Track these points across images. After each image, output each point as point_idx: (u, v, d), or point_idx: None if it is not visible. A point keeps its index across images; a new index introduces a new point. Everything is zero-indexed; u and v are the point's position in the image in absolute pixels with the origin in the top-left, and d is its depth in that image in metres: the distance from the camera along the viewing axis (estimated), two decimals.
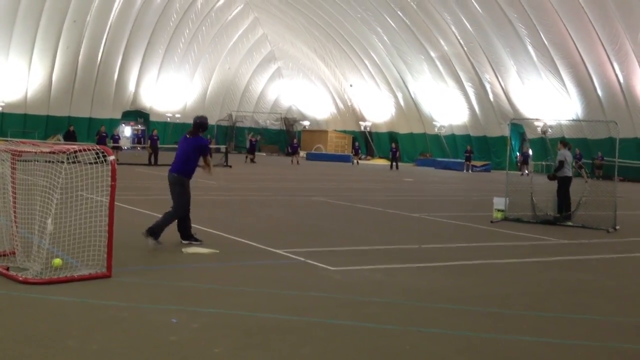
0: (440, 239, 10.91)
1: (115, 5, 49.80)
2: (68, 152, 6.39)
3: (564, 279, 7.91)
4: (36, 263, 6.34)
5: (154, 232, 8.35)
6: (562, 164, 13.95)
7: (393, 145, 45.44)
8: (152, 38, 53.25)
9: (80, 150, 6.47)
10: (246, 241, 9.43)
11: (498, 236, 11.44)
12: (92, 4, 48.89)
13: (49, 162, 6.62)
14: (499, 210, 13.81)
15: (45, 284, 6.05)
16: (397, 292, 6.79)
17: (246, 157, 40.34)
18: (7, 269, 6.40)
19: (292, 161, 41.05)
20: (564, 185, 13.92)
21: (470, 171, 40.73)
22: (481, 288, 7.19)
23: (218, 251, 8.46)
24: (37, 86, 50.31)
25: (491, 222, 13.28)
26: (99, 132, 31.45)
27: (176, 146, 9.99)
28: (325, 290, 6.64)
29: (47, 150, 6.49)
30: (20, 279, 6.03)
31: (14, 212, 6.86)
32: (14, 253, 6.83)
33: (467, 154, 41.88)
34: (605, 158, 36.15)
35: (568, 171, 14.01)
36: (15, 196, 6.89)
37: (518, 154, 44.03)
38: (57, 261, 6.60)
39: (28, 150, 6.61)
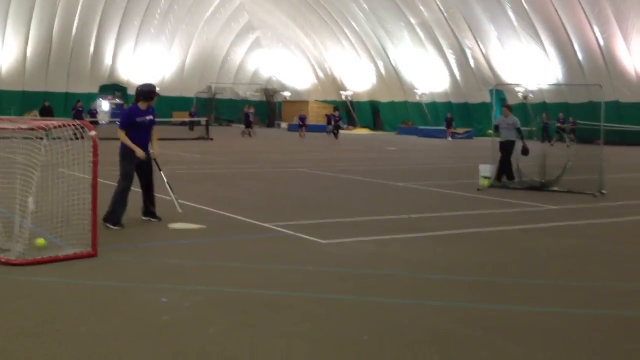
0: (428, 208, 10.82)
1: None
2: (47, 128, 6.13)
3: (555, 246, 7.86)
4: (18, 244, 6.11)
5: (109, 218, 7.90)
6: (519, 130, 14.04)
7: (334, 113, 41.18)
8: (127, 9, 52.07)
9: (60, 126, 6.21)
10: (233, 215, 9.25)
11: (486, 204, 11.39)
12: None
13: (27, 138, 6.35)
14: (485, 177, 13.75)
15: (28, 264, 5.84)
16: (391, 263, 6.70)
17: (243, 131, 37.44)
18: None
19: (300, 134, 38.10)
20: (505, 150, 13.95)
21: (451, 138, 40.62)
22: (474, 257, 7.11)
23: (205, 226, 8.28)
24: (11, 61, 49.12)
25: (477, 189, 13.22)
26: (75, 107, 30.76)
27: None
28: (319, 264, 6.52)
29: (26, 126, 6.22)
30: (2, 260, 5.81)
31: None
32: None
33: (448, 121, 41.60)
34: (586, 122, 36.32)
35: (511, 135, 14.02)
36: None
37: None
38: (41, 241, 6.39)
39: (5, 127, 6.33)
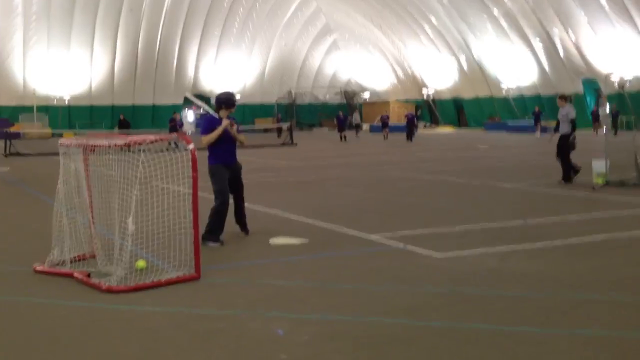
0: (542, 211, 9.87)
1: None
2: (144, 143, 5.76)
3: None
4: (119, 267, 5.77)
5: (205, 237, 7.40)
6: (573, 122, 12.95)
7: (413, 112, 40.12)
8: (208, 20, 53.09)
9: (156, 141, 5.83)
10: (334, 226, 8.69)
11: (607, 204, 10.30)
12: None
13: (127, 151, 5.98)
14: (599, 175, 12.57)
15: (130, 291, 5.47)
16: (518, 281, 5.89)
17: (341, 136, 36.30)
18: (89, 275, 5.86)
19: (384, 137, 36.96)
20: (560, 145, 12.99)
21: (540, 133, 38.10)
22: (613, 270, 6.20)
23: (307, 240, 7.75)
24: (101, 77, 51.08)
25: (593, 188, 12.09)
26: (174, 119, 30.28)
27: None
28: (437, 283, 5.82)
29: (122, 142, 5.88)
30: (104, 287, 5.48)
31: (91, 210, 6.32)
32: (94, 256, 6.30)
33: (536, 115, 38.96)
34: None
35: (565, 129, 13.01)
36: (91, 193, 6.35)
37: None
38: (141, 263, 6.04)
39: (101, 143, 6.02)
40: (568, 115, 13.09)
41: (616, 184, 12.33)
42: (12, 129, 37.94)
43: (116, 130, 41.79)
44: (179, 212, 6.41)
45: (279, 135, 35.68)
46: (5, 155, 25.22)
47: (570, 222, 8.83)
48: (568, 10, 39.76)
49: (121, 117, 35.77)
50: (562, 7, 39.71)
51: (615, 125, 34.26)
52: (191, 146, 5.88)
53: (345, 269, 6.42)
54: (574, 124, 13.09)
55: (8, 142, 26.01)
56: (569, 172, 13.00)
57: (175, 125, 29.35)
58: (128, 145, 5.86)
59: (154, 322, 4.86)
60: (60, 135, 29.14)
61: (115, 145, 5.90)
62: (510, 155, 22.56)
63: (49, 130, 42.41)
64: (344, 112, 41.07)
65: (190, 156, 5.88)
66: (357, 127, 41.04)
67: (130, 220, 5.62)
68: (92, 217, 6.36)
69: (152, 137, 5.85)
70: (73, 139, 6.49)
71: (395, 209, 10.48)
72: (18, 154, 25.07)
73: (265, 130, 45.41)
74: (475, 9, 44.53)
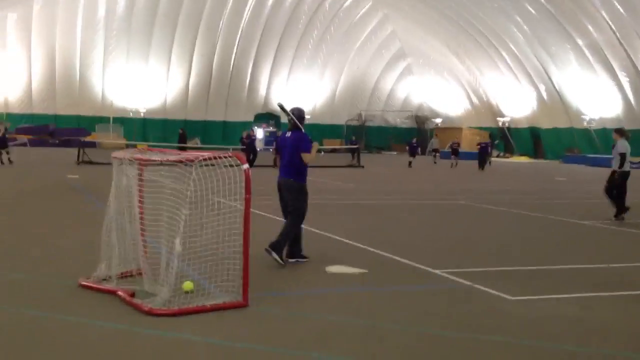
0: (630, 255, 8.98)
1: (246, 11, 50.65)
2: (197, 161, 5.44)
3: None
4: (164, 288, 5.43)
5: (275, 247, 7.27)
6: (623, 156, 12.35)
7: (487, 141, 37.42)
8: (282, 41, 53.70)
9: (209, 158, 5.49)
10: (396, 257, 8.12)
11: None
12: (224, 11, 50.06)
13: (182, 164, 5.64)
14: None
15: (173, 315, 5.11)
16: (606, 336, 5.17)
17: (410, 162, 35.24)
18: (133, 294, 5.55)
19: (452, 164, 35.25)
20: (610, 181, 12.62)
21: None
22: None
23: (366, 271, 7.23)
24: (175, 93, 52.41)
25: None
26: (249, 136, 29.51)
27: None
28: (510, 332, 5.17)
29: (174, 158, 5.58)
30: (146, 309, 5.14)
31: (142, 227, 6.03)
32: (141, 274, 6.00)
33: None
34: None
35: (627, 165, 12.48)
36: (142, 210, 6.07)
37: None
38: (188, 285, 5.69)
39: (153, 158, 5.74)
40: (617, 150, 12.59)
41: None
42: (88, 139, 39.24)
43: (197, 143, 42.22)
44: (231, 231, 6.02)
45: (353, 158, 34.68)
46: (78, 163, 25.93)
47: None
48: None
49: (180, 131, 36.15)
50: None
51: None
52: (245, 166, 5.51)
53: (404, 308, 5.84)
54: (623, 158, 12.51)
55: (81, 150, 26.78)
56: (620, 208, 12.60)
57: (251, 142, 28.75)
58: (181, 162, 5.56)
59: (191, 353, 4.46)
60: (134, 146, 29.80)
61: (168, 160, 5.60)
62: (590, 190, 21.27)
63: (123, 141, 43.68)
64: (417, 139, 40.38)
65: (243, 177, 5.49)
66: (435, 152, 40.12)
67: (177, 241, 5.29)
68: (143, 234, 6.07)
69: (206, 154, 5.53)
70: (127, 152, 6.25)
71: (462, 242, 9.79)
72: (90, 162, 25.74)
73: (333, 151, 45.13)
74: (558, 38, 43.05)
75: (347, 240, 9.24)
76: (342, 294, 6.27)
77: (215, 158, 5.41)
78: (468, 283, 6.75)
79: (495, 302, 6.09)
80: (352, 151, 35.55)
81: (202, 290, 5.66)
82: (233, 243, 5.81)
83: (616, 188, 12.66)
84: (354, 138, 43.11)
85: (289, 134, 7.71)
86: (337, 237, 9.51)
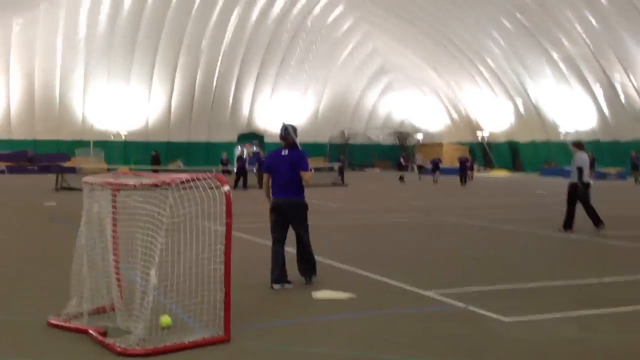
0: (623, 268, 8.77)
1: (229, 30, 50.46)
2: (174, 184, 5.10)
3: None
4: (139, 324, 5.05)
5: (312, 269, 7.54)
6: (581, 170, 12.31)
7: (466, 157, 37.81)
8: (265, 59, 53.54)
9: (187, 181, 5.16)
10: (384, 279, 7.81)
11: None
12: (207, 30, 49.81)
13: (158, 188, 5.29)
14: None
15: (147, 355, 4.72)
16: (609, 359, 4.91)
17: (401, 176, 35.56)
18: (105, 333, 5.16)
19: (434, 180, 35.10)
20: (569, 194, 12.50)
21: (592, 180, 35.28)
22: None
23: (354, 295, 6.90)
24: (157, 114, 51.83)
25: None
26: (241, 157, 28.90)
27: None
28: (507, 357, 4.88)
29: (150, 182, 5.23)
30: (118, 349, 4.75)
31: (115, 259, 5.65)
32: (114, 309, 5.61)
33: (591, 161, 36.51)
34: None
35: (574, 177, 12.51)
36: (116, 239, 5.69)
37: None
38: (166, 319, 5.32)
39: (126, 182, 5.39)
40: (575, 163, 12.53)
41: None
42: (68, 164, 38.52)
43: (180, 166, 41.59)
44: (213, 260, 5.65)
45: (340, 175, 34.18)
46: (56, 189, 25.32)
47: None
48: (630, 56, 38.34)
49: (154, 152, 35.54)
50: (624, 52, 38.31)
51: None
52: (226, 188, 5.18)
53: (400, 334, 5.52)
54: (580, 172, 12.45)
55: (60, 176, 26.17)
56: (571, 221, 12.57)
57: (243, 164, 28.19)
58: (157, 185, 5.22)
59: None
60: (115, 170, 29.26)
61: (142, 184, 5.25)
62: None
63: (104, 165, 42.98)
64: (405, 155, 40.42)
65: (224, 200, 5.16)
66: (420, 169, 40.23)
67: (152, 272, 4.93)
68: (116, 266, 5.69)
69: (183, 176, 5.20)
70: (99, 177, 5.88)
71: (453, 260, 9.51)
72: (70, 188, 25.12)
73: (316, 170, 44.84)
74: (534, 52, 43.44)
75: (334, 262, 8.91)
76: (331, 322, 5.93)
77: (194, 180, 5.08)
78: (461, 305, 6.46)
79: (491, 324, 5.81)
80: (340, 169, 35.06)
81: (181, 324, 5.30)
82: (214, 273, 5.46)
83: (581, 202, 12.50)
84: (342, 157, 42.66)
85: (285, 152, 7.44)
86: (324, 260, 9.16)
